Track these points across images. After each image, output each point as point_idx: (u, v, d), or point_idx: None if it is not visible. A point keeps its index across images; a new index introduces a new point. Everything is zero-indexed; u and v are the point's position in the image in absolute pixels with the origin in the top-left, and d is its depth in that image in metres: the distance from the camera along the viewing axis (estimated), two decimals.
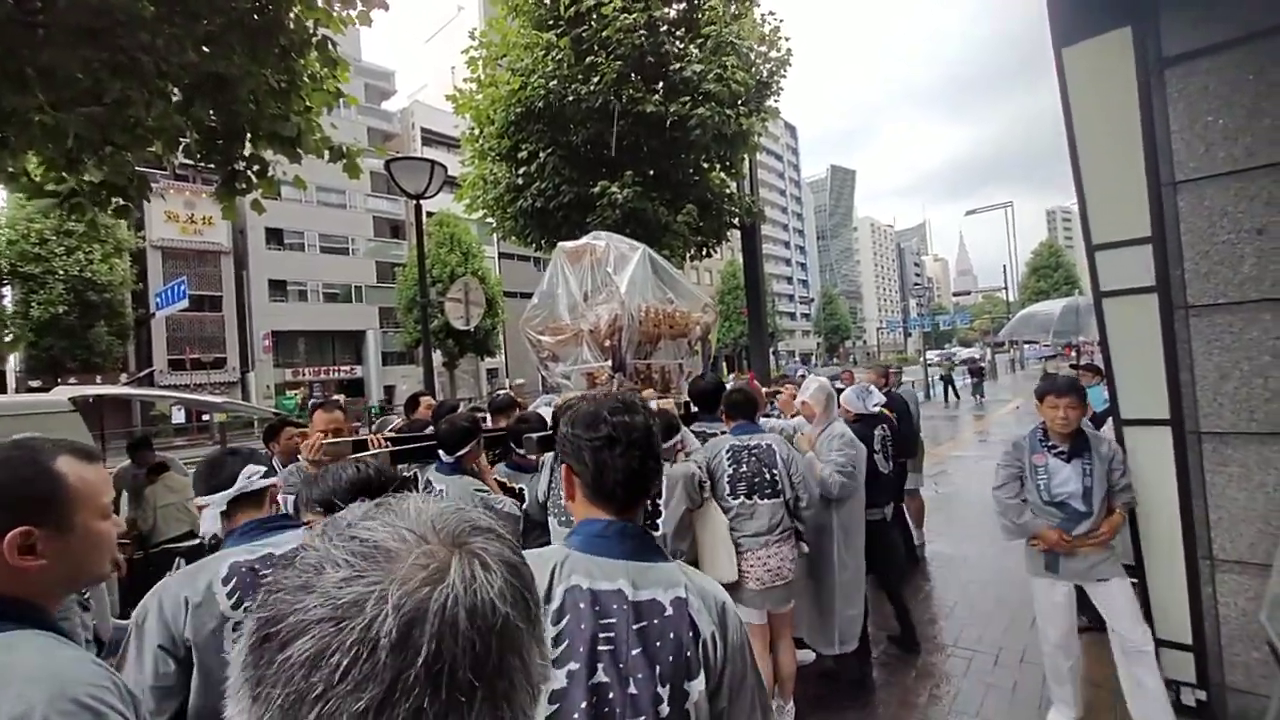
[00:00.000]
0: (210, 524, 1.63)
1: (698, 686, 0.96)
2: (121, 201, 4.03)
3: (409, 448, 2.92)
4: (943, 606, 4.35)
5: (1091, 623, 3.78)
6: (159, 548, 4.43)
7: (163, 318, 23.96)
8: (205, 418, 23.50)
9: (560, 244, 4.10)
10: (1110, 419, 2.99)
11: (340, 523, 0.44)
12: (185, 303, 17.26)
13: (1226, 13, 2.46)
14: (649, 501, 2.65)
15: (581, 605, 0.98)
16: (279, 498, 1.92)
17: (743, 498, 2.78)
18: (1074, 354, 18.00)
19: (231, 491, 1.60)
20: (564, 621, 0.97)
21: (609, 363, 3.66)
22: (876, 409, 3.95)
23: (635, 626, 0.97)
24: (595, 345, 3.59)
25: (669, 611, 0.99)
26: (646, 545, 1.07)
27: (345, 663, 0.34)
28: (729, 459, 2.82)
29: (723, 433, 3.09)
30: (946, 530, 5.86)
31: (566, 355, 3.95)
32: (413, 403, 4.88)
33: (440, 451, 2.77)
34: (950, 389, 20.18)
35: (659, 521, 2.72)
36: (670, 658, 0.96)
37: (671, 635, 0.97)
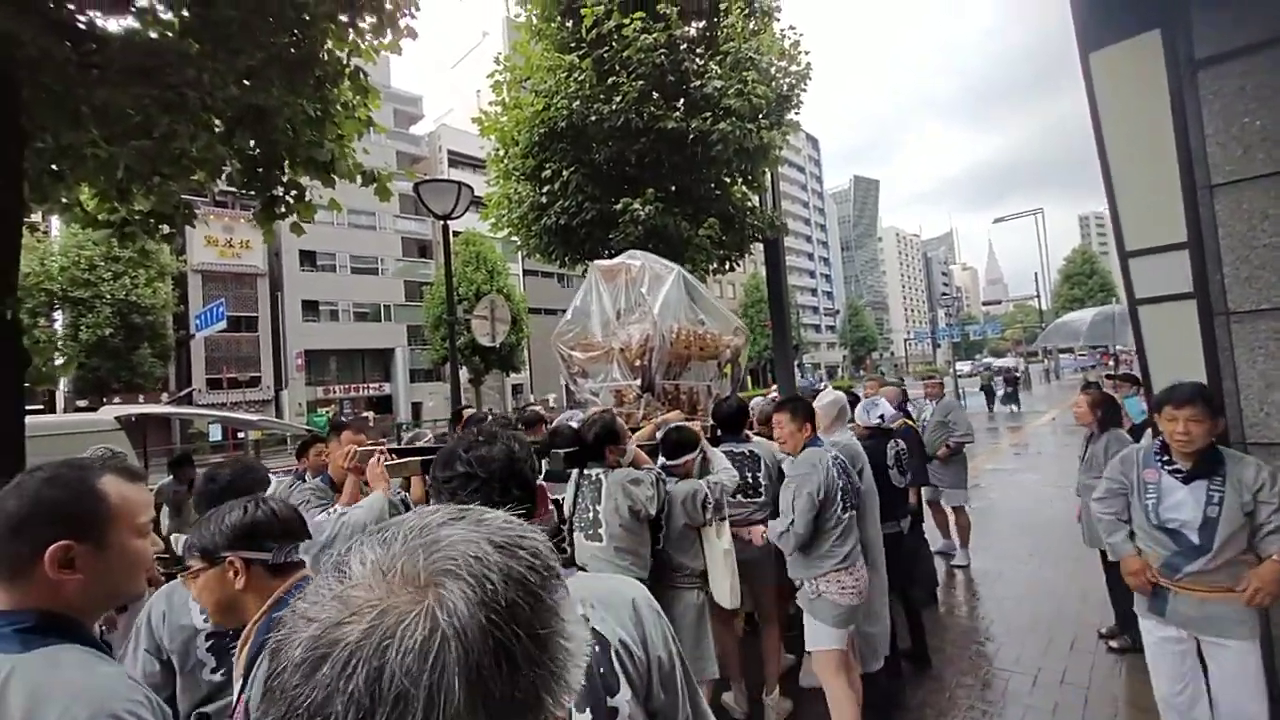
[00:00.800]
0: None
1: (624, 699, 0.91)
2: (168, 229, 4.23)
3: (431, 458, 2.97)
4: (979, 625, 4.23)
5: (1135, 641, 3.64)
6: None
7: (201, 339, 24.83)
8: (241, 435, 24.16)
9: (596, 262, 4.15)
10: (1149, 430, 2.90)
11: (330, 563, 0.44)
12: (223, 324, 17.91)
13: (1260, 13, 2.41)
14: (656, 519, 2.67)
15: None
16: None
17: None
18: (1112, 362, 17.50)
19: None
20: None
21: (638, 382, 3.67)
22: (880, 421, 3.91)
23: None
24: (625, 364, 3.61)
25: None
26: None
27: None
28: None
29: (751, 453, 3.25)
30: (982, 546, 5.69)
31: (596, 372, 3.98)
32: (458, 417, 5.03)
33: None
34: (990, 398, 20.32)
35: (660, 537, 2.73)
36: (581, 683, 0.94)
37: None
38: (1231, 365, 2.55)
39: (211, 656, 1.52)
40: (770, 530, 2.89)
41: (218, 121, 3.76)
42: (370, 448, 2.63)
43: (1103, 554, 3.80)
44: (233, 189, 4.31)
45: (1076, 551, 4.24)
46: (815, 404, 3.41)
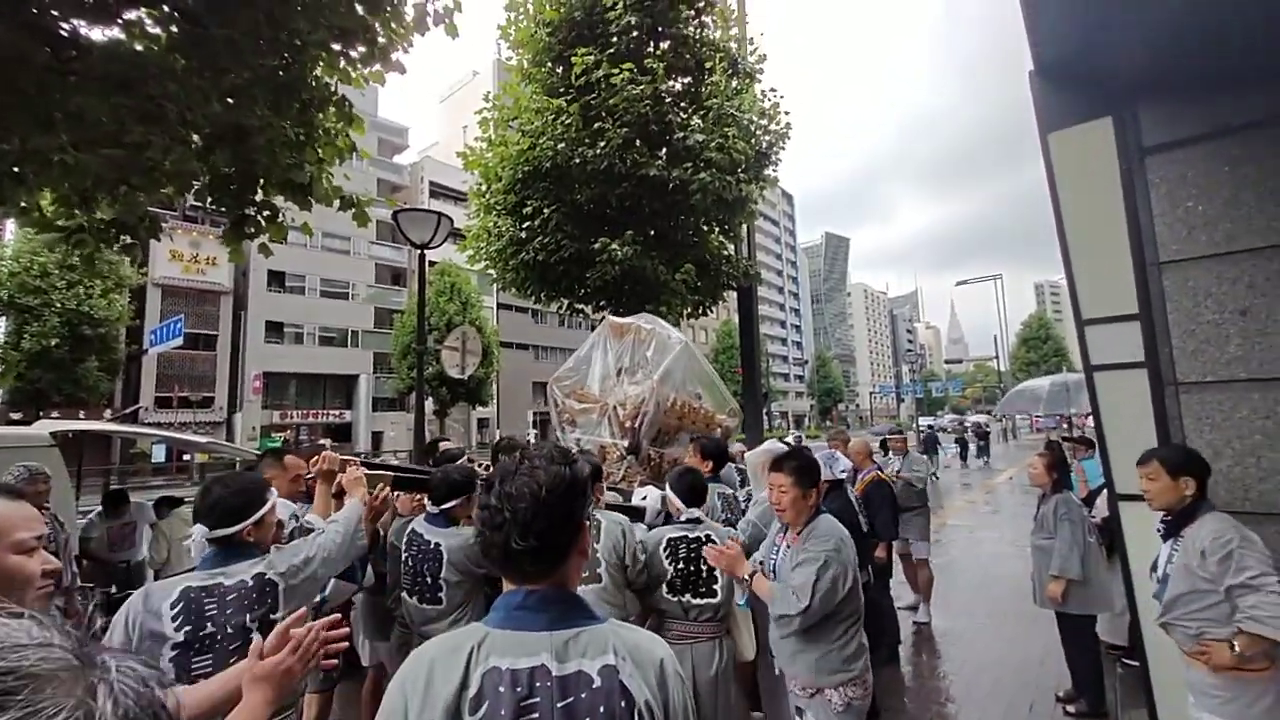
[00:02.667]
0: (197, 551, 1.75)
1: None
2: (130, 240, 4.09)
3: (409, 477, 2.88)
4: (940, 685, 4.18)
5: (1092, 706, 3.64)
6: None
7: (155, 355, 23.86)
8: (186, 457, 23.02)
9: (610, 317, 4.19)
10: (1105, 492, 2.98)
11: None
12: (180, 340, 17.24)
13: (1198, 109, 2.61)
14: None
15: (501, 689, 0.91)
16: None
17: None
18: (1068, 425, 18.24)
19: (202, 534, 1.70)
20: (483, 708, 0.90)
21: (625, 443, 3.65)
22: (844, 474, 3.94)
23: (561, 704, 0.91)
24: (616, 422, 3.61)
25: (597, 683, 0.93)
26: (572, 609, 1.01)
27: None
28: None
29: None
30: (942, 604, 5.69)
31: (585, 424, 3.95)
32: (433, 448, 4.91)
33: (428, 502, 2.72)
34: (964, 451, 21.61)
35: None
36: None
37: (602, 709, 0.92)
38: (1181, 433, 2.65)
39: (173, 668, 1.52)
40: (773, 608, 2.34)
41: (196, 137, 3.70)
42: (346, 457, 2.58)
43: (1058, 615, 3.84)
44: (203, 205, 4.23)
45: (1034, 611, 4.27)
46: (750, 455, 3.42)
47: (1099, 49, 2.58)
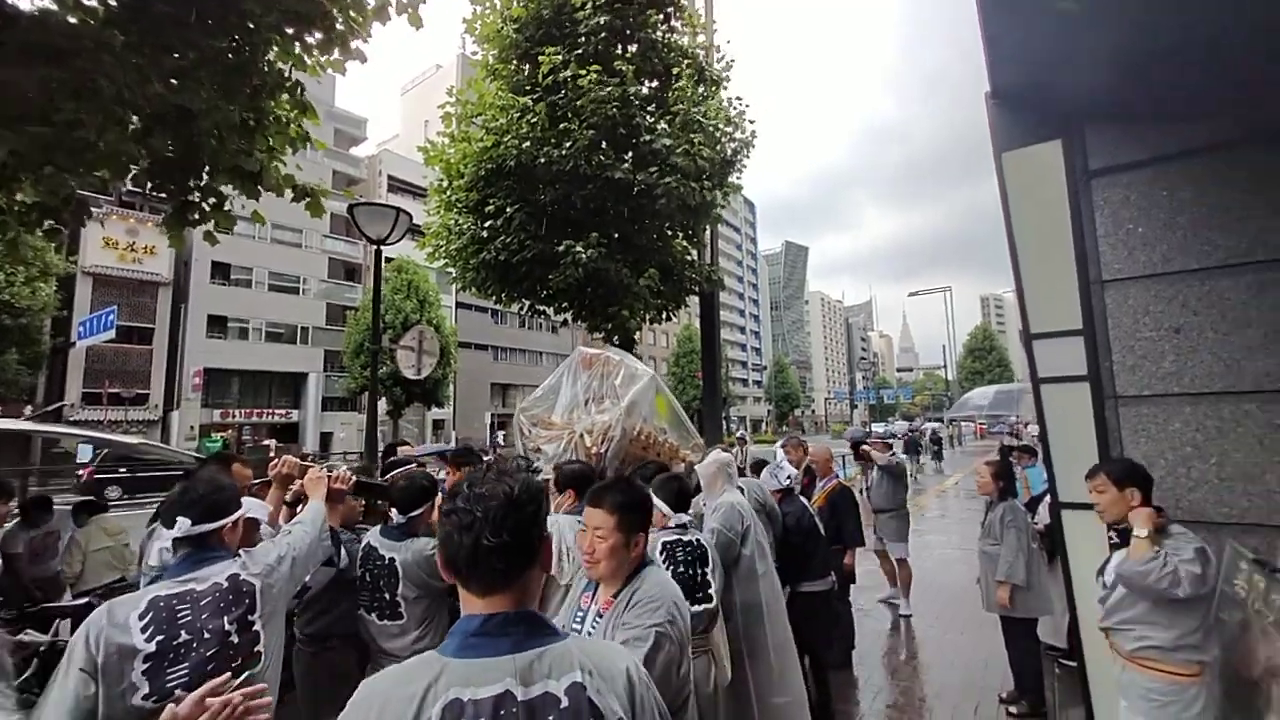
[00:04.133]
0: (156, 558, 1.69)
1: None
2: (53, 224, 3.81)
3: (372, 482, 2.78)
4: (891, 687, 4.27)
5: (1033, 706, 3.78)
6: (83, 597, 3.91)
7: (83, 348, 22.38)
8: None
9: (579, 347, 4.18)
10: (1047, 499, 3.10)
11: None
12: (111, 333, 16.24)
13: (1140, 136, 2.75)
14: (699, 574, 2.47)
15: None
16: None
17: None
18: (1014, 435, 19.25)
19: (175, 532, 1.63)
20: None
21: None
22: (789, 481, 4.00)
23: None
24: (583, 449, 3.57)
25: (565, 703, 0.91)
26: (534, 629, 0.98)
27: None
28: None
29: None
30: (892, 609, 5.84)
31: (553, 453, 3.91)
32: (390, 452, 4.67)
33: (393, 510, 2.60)
34: (917, 457, 22.30)
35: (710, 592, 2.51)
36: None
37: None
38: (1120, 445, 2.78)
39: (146, 680, 1.46)
40: None
41: (134, 117, 3.47)
42: (306, 463, 2.52)
43: (1003, 619, 3.98)
44: (141, 190, 3.98)
45: (979, 615, 4.42)
46: (700, 468, 3.41)
47: (1050, 76, 2.69)
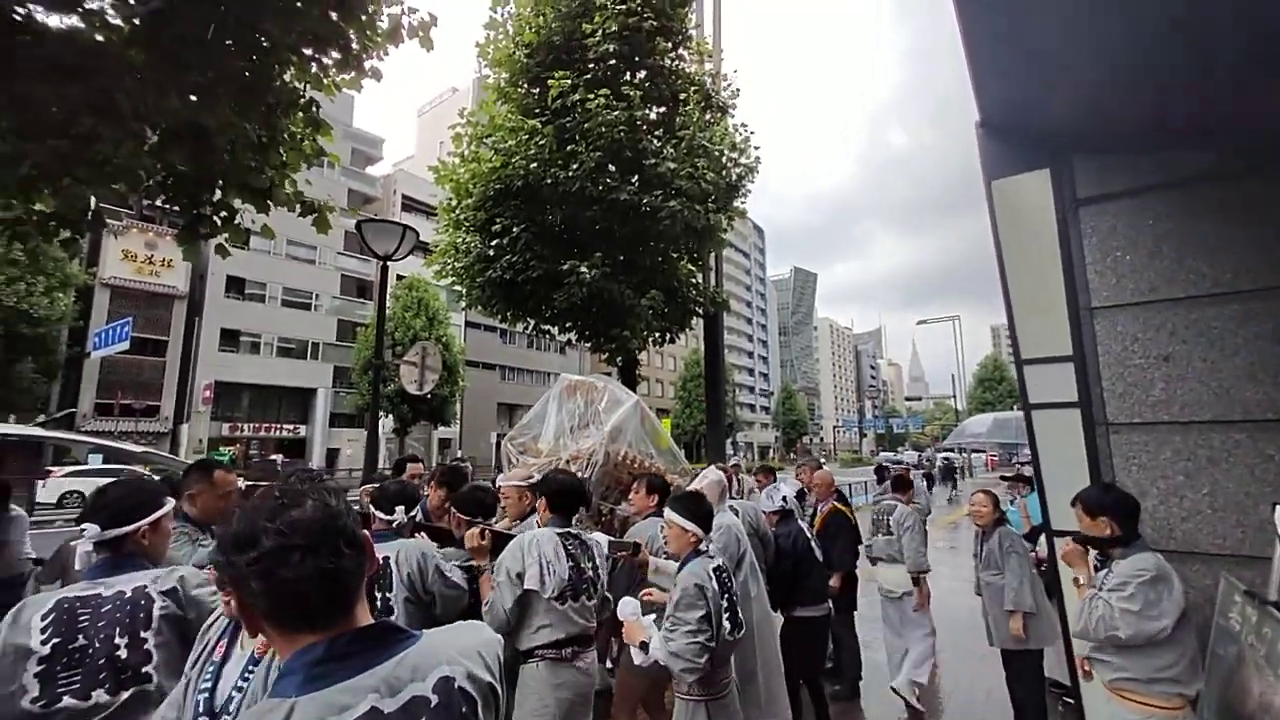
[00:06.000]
0: (82, 560, 1.62)
1: None
2: (69, 234, 3.93)
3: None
4: None
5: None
6: None
7: (98, 359, 22.74)
8: (125, 468, 21.81)
9: (564, 374, 4.25)
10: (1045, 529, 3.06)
11: None
12: (125, 344, 16.51)
13: (1125, 166, 2.79)
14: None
15: None
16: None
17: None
18: (1019, 464, 19.10)
19: (84, 539, 1.59)
20: None
21: None
22: (784, 504, 3.99)
23: None
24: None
25: (435, 700, 0.88)
26: (387, 636, 0.91)
27: None
28: None
29: None
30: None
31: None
32: (400, 468, 4.70)
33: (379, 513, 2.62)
34: (930, 483, 22.85)
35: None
36: None
37: None
38: (1111, 472, 2.76)
39: (37, 683, 1.42)
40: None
41: (151, 132, 3.60)
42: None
43: (1004, 653, 3.89)
44: (154, 203, 4.10)
45: (981, 649, 4.32)
46: (696, 482, 3.43)
47: (1037, 106, 2.74)
